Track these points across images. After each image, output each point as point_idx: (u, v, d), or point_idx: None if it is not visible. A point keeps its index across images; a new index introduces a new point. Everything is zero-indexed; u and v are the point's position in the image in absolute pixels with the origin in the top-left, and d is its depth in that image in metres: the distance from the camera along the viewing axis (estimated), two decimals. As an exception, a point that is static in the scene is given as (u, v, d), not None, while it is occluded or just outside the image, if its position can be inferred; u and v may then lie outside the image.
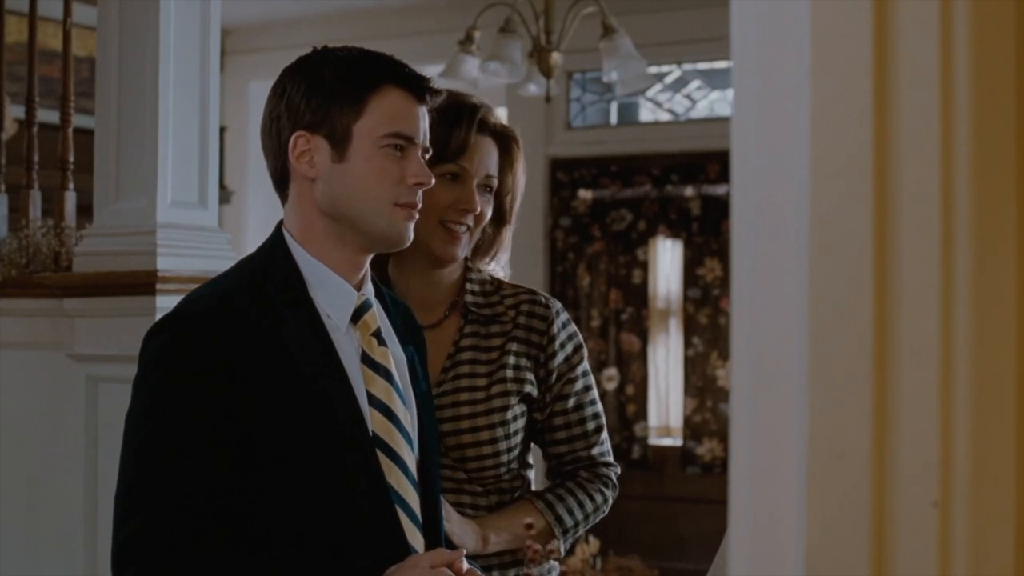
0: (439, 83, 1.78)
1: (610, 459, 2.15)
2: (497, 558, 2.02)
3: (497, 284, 2.13)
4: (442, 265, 2.06)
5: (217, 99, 3.01)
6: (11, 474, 3.12)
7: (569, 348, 2.10)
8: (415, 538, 1.71)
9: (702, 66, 6.65)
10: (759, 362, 0.92)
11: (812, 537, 0.87)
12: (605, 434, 2.14)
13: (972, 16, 0.84)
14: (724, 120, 6.28)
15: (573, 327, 2.13)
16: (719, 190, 6.45)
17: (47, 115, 3.69)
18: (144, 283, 2.81)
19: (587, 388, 2.12)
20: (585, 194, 6.74)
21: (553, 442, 2.11)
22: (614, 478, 2.14)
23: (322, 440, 1.63)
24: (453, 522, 1.92)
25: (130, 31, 2.92)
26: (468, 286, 2.09)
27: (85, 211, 3.14)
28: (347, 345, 1.70)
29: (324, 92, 1.68)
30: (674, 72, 6.71)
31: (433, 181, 1.73)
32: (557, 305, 2.11)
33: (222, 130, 6.29)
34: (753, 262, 0.93)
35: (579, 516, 2.07)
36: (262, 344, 1.63)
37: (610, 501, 2.13)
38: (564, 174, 6.77)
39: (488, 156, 2.04)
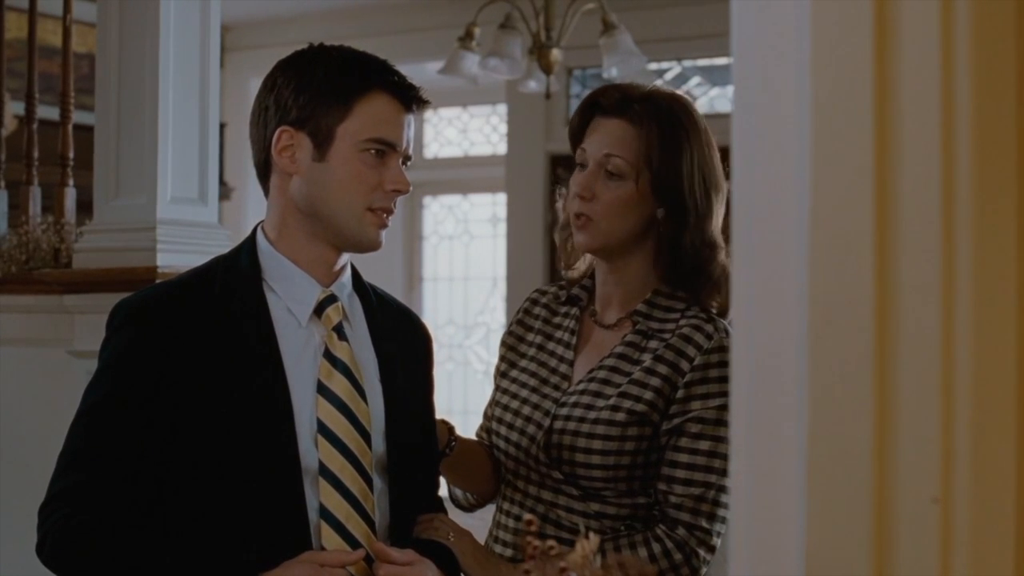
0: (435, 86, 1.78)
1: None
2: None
3: (686, 309, 1.94)
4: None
5: (217, 95, 3.00)
6: (10, 470, 3.12)
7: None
8: (356, 527, 1.72)
9: (702, 62, 6.64)
10: (759, 361, 0.92)
11: (812, 535, 0.87)
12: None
13: (972, 15, 0.84)
14: (724, 117, 6.27)
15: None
16: (719, 186, 6.43)
17: (47, 111, 3.69)
18: (144, 279, 2.80)
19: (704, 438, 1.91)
20: (585, 190, 6.72)
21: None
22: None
23: (242, 428, 1.68)
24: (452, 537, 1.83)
25: (130, 27, 2.92)
26: (654, 299, 1.95)
27: (85, 207, 3.14)
28: (306, 339, 1.74)
29: (313, 90, 1.72)
30: (674, 68, 6.71)
31: (411, 188, 1.74)
32: (722, 339, 1.89)
33: (222, 126, 6.28)
34: (753, 260, 0.93)
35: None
36: (203, 335, 1.70)
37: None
38: (564, 170, 6.75)
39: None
